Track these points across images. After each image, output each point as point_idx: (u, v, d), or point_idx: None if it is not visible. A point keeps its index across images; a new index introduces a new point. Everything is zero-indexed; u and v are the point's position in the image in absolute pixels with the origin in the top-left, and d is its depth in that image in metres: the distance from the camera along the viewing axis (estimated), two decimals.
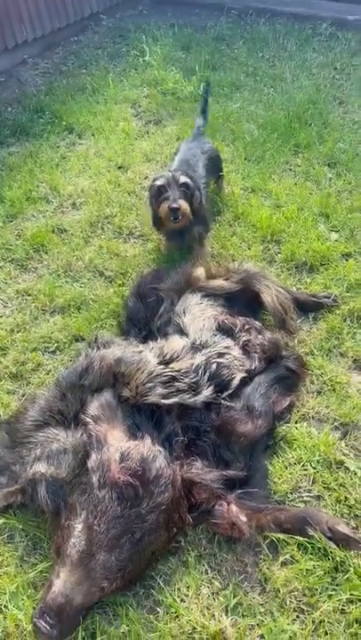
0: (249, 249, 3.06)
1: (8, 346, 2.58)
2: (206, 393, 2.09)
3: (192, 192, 2.77)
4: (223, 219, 3.28)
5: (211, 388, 2.10)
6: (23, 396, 2.37)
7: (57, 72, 5.31)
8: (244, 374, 2.20)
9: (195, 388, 2.09)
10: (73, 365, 2.20)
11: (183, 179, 2.73)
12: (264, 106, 4.46)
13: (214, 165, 3.25)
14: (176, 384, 2.07)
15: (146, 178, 3.68)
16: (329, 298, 2.71)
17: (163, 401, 2.04)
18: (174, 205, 2.67)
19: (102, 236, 3.22)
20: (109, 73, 5.12)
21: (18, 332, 2.66)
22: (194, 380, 2.10)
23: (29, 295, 2.86)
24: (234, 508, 1.84)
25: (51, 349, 2.58)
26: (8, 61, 5.38)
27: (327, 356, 2.49)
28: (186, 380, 2.09)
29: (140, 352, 2.18)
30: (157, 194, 2.75)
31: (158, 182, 2.74)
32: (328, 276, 2.87)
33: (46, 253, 3.11)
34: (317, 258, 2.96)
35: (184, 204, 2.70)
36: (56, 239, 3.19)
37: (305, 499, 2.01)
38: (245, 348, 2.30)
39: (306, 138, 3.95)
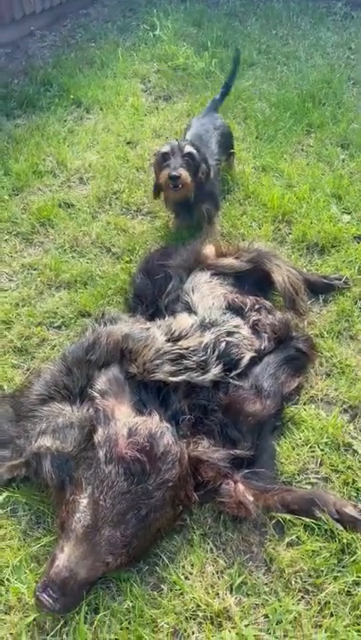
0: (259, 228, 3.01)
1: (13, 320, 2.54)
2: (215, 371, 2.05)
3: (197, 164, 2.69)
4: (233, 197, 3.22)
5: (219, 367, 2.07)
6: (27, 370, 2.33)
7: (65, 45, 5.19)
8: (254, 354, 2.17)
9: (203, 367, 2.05)
10: (79, 340, 2.16)
11: (188, 148, 2.66)
12: (277, 84, 4.37)
13: (226, 142, 3.18)
14: (184, 362, 2.04)
15: (155, 154, 3.60)
16: (340, 280, 2.67)
17: (170, 378, 2.01)
18: (174, 173, 2.60)
19: (110, 212, 3.16)
20: (119, 47, 5.01)
21: (23, 306, 2.61)
22: (202, 358, 2.06)
23: (35, 269, 2.81)
24: (241, 487, 1.81)
25: (56, 324, 2.54)
26: (15, 33, 5.26)
27: (337, 338, 2.46)
28: (194, 357, 2.05)
29: (148, 329, 2.15)
30: (161, 160, 2.70)
31: (163, 149, 2.69)
32: (339, 257, 2.82)
33: (52, 228, 3.05)
34: (329, 239, 2.91)
35: (185, 173, 2.62)
36: (62, 214, 3.13)
37: (312, 480, 1.98)
38: (255, 328, 2.26)
39: (319, 118, 3.86)
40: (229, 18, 5.52)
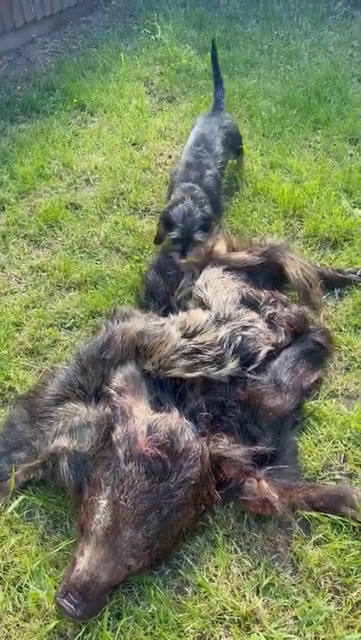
0: (270, 224, 2.96)
1: (23, 322, 2.49)
2: (231, 366, 2.00)
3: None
4: (242, 194, 3.18)
5: (236, 361, 2.02)
6: (40, 372, 2.28)
7: (66, 51, 5.18)
8: (271, 347, 2.12)
9: (220, 361, 2.00)
10: (93, 339, 2.11)
11: (199, 237, 2.48)
12: (281, 82, 4.34)
13: (233, 142, 3.10)
14: (200, 357, 1.99)
15: (161, 154, 3.57)
16: (355, 273, 2.62)
17: (186, 374, 1.96)
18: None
19: (117, 212, 3.12)
20: (121, 51, 4.98)
21: (33, 307, 2.57)
22: (218, 352, 2.01)
23: (44, 271, 2.77)
24: (264, 484, 1.75)
25: (67, 325, 2.49)
26: (17, 40, 5.25)
27: (355, 332, 2.40)
28: (210, 352, 2.00)
29: (163, 325, 2.10)
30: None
31: (172, 235, 2.51)
32: (353, 251, 2.77)
33: (60, 229, 3.01)
34: (341, 233, 2.86)
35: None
36: (70, 215, 3.09)
37: (336, 476, 1.92)
38: (271, 321, 2.21)
39: (325, 114, 3.82)
40: (230, 20, 5.50)
